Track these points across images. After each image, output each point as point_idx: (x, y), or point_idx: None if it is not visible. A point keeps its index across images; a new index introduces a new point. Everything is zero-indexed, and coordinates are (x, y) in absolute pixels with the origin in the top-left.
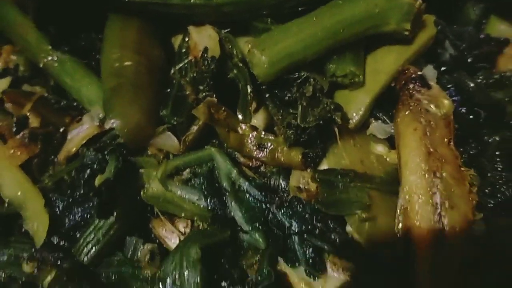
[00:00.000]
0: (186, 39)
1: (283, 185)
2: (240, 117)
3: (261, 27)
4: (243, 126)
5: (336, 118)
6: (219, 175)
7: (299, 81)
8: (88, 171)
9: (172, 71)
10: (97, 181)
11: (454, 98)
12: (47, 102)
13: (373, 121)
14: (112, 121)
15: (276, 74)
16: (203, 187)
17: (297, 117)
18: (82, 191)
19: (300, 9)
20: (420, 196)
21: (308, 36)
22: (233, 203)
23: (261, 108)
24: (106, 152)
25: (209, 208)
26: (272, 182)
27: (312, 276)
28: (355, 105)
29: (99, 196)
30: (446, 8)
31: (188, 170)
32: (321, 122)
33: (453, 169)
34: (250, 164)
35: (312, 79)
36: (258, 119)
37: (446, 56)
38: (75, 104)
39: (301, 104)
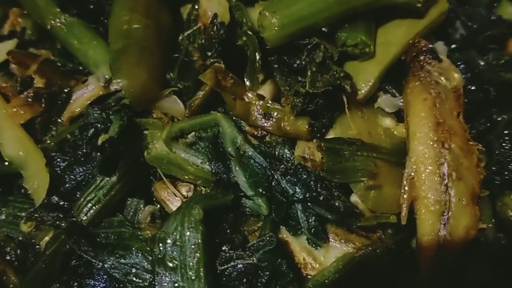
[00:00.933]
0: (196, 7)
1: (288, 155)
2: (247, 83)
3: None
4: (250, 94)
5: (345, 86)
6: (224, 140)
7: (309, 47)
8: (92, 130)
9: (180, 37)
10: (101, 139)
11: (464, 76)
12: (53, 65)
13: (382, 94)
14: (118, 80)
15: (287, 38)
16: (208, 151)
17: (305, 85)
18: (84, 150)
19: None
20: (427, 166)
21: (320, 0)
22: (237, 168)
23: (268, 80)
24: (111, 112)
25: (213, 171)
26: (277, 152)
27: (314, 245)
28: (365, 76)
29: (102, 153)
30: None
31: (193, 133)
32: (330, 88)
33: (462, 141)
34: (256, 133)
35: (322, 46)
36: (265, 91)
37: (457, 36)
38: (81, 67)
39: (311, 69)
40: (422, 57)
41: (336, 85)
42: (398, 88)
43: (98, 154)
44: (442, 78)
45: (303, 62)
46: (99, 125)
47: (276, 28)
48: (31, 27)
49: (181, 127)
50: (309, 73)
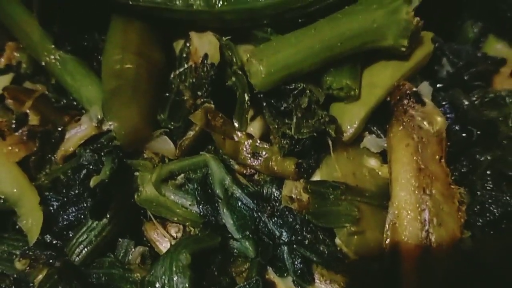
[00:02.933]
0: (187, 44)
1: (275, 194)
2: (236, 125)
3: (261, 36)
4: (239, 133)
5: (330, 130)
6: (212, 181)
7: (295, 92)
8: (84, 171)
9: (172, 75)
10: (92, 182)
11: (448, 115)
12: (48, 100)
13: (367, 134)
14: (110, 123)
15: (273, 84)
16: (196, 193)
17: (291, 127)
18: (77, 191)
19: (300, 20)
20: (409, 212)
21: (306, 48)
22: (225, 210)
23: (258, 117)
24: (102, 153)
25: (201, 214)
26: (265, 191)
27: (300, 287)
28: (350, 118)
29: (94, 197)
30: (445, 25)
31: (182, 175)
32: (315, 134)
33: (443, 187)
34: (244, 172)
35: (308, 91)
36: (254, 127)
37: (443, 73)
38: (74, 103)
39: (296, 115)
40: (405, 101)
41: (321, 130)
42: (383, 128)
43: (90, 199)
44: (425, 123)
45: (290, 106)
46: (91, 167)
47: (263, 75)
48: (26, 61)
49: (170, 169)
50: (294, 119)
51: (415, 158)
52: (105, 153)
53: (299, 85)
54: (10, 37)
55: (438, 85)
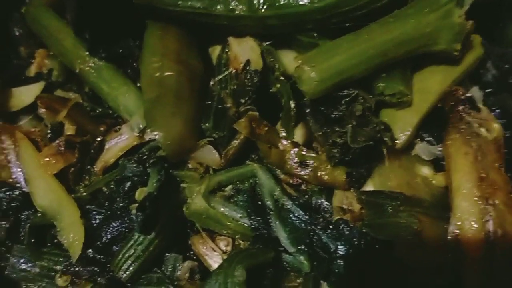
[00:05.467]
0: (226, 50)
1: (325, 205)
2: (283, 133)
3: (306, 41)
4: (284, 141)
5: (386, 139)
6: (262, 192)
7: (347, 99)
8: (128, 184)
9: (212, 82)
10: (138, 194)
11: (499, 121)
12: (82, 109)
13: (419, 141)
14: (155, 133)
15: (325, 91)
16: (246, 205)
17: (342, 135)
18: (121, 204)
19: (347, 24)
20: (472, 223)
21: (359, 53)
22: (277, 223)
23: (300, 123)
24: (147, 164)
25: (253, 227)
26: (313, 201)
27: None
28: (402, 125)
29: (143, 211)
30: (489, 28)
31: (230, 186)
32: (371, 143)
33: (505, 196)
34: (291, 181)
35: (360, 97)
36: (297, 135)
37: (488, 77)
38: (110, 112)
39: (351, 123)
40: (461, 107)
41: (377, 139)
42: (435, 135)
43: (139, 214)
44: (482, 130)
45: (341, 114)
46: (136, 178)
47: (315, 82)
48: (58, 69)
49: (218, 180)
50: (350, 128)
51: (475, 166)
52: (150, 164)
53: (351, 92)
54: (39, 44)
55: (486, 90)
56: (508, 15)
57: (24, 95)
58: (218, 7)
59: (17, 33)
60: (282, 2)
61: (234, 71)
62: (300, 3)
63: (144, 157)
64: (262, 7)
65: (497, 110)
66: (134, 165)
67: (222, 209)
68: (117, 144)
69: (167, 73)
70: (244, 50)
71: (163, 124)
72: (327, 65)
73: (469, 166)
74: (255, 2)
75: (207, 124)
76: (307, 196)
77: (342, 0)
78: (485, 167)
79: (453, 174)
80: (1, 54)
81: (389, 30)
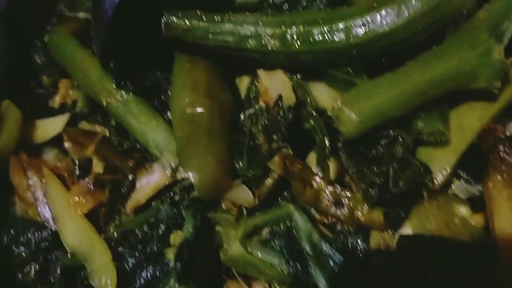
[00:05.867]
0: (256, 83)
1: (361, 247)
2: (319, 174)
3: (341, 77)
4: (318, 179)
5: (427, 181)
6: (298, 235)
7: (387, 140)
8: (163, 227)
9: (242, 116)
10: (174, 238)
11: None
12: (109, 143)
13: (456, 180)
14: (190, 174)
15: (364, 132)
16: (283, 250)
17: (380, 175)
18: (155, 248)
19: (383, 60)
20: None
21: (399, 93)
22: (316, 269)
23: (332, 156)
24: (182, 207)
25: (290, 272)
26: (349, 242)
27: None
28: (440, 164)
29: (181, 260)
30: None
31: (266, 229)
32: (413, 187)
33: None
34: (326, 221)
35: (400, 138)
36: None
37: None
38: (138, 146)
39: (392, 167)
40: (501, 147)
41: (417, 182)
42: (473, 173)
43: (178, 262)
44: None
45: (380, 154)
46: (170, 221)
47: (355, 124)
48: (82, 100)
49: (254, 224)
50: (391, 172)
51: None
52: (184, 206)
53: (390, 132)
54: (62, 73)
55: None
56: None
57: (49, 127)
58: (250, 42)
59: (39, 61)
60: (316, 38)
61: (265, 105)
62: (335, 39)
63: (176, 197)
64: (296, 42)
65: None
66: (168, 208)
67: (259, 254)
68: (149, 183)
69: (198, 110)
70: (275, 84)
71: (196, 164)
72: (367, 106)
73: None
74: (288, 37)
75: (240, 164)
76: (342, 236)
77: (377, 37)
78: None
79: (496, 218)
80: (23, 83)
81: (429, 69)
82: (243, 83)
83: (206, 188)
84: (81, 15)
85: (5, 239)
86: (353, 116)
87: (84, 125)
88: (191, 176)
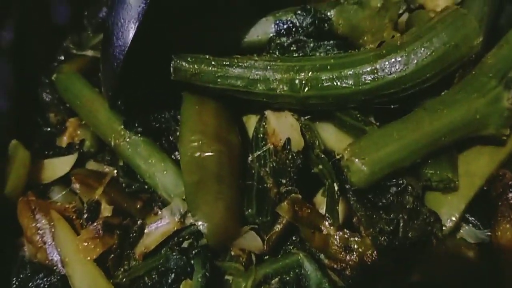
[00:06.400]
0: (263, 124)
1: None
2: (328, 221)
3: (349, 122)
4: (327, 224)
5: (436, 231)
6: (308, 285)
7: (396, 189)
8: (172, 276)
9: (250, 158)
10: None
11: None
12: (118, 185)
13: (464, 224)
14: (199, 222)
15: (374, 182)
16: None
17: (389, 222)
18: None
19: (392, 106)
20: None
21: (409, 144)
22: None
23: (341, 198)
24: (191, 255)
25: None
26: None
27: None
28: (449, 210)
29: None
30: None
31: (276, 279)
32: (423, 238)
33: None
34: (335, 266)
35: (409, 187)
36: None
37: None
38: (146, 187)
39: (402, 217)
40: (510, 195)
41: (427, 232)
42: (481, 218)
43: None
44: None
45: (389, 202)
46: (179, 270)
47: (366, 175)
48: (90, 139)
49: (264, 273)
50: (401, 223)
51: None
52: (193, 255)
53: (400, 181)
54: (69, 110)
55: None
56: None
57: (57, 167)
58: (259, 85)
59: (47, 99)
60: (325, 84)
61: (273, 147)
62: (344, 85)
63: (186, 243)
64: (304, 87)
65: None
66: (178, 256)
67: None
68: (157, 228)
69: (207, 154)
70: (283, 126)
71: (206, 211)
72: (377, 157)
73: None
74: (296, 82)
75: (250, 211)
76: (351, 281)
77: (386, 84)
78: None
79: (505, 267)
80: (30, 121)
81: (438, 118)
82: (251, 122)
83: (216, 236)
84: (89, 53)
85: (14, 283)
86: (363, 167)
87: (91, 164)
88: (200, 224)
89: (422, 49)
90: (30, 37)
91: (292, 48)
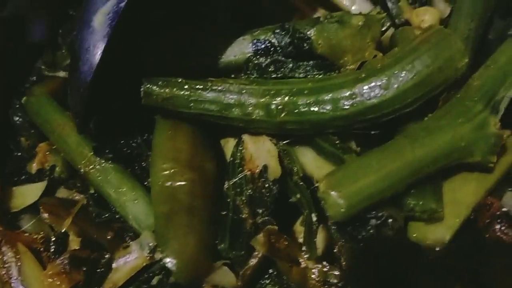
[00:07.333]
0: (240, 148)
1: None
2: (304, 249)
3: (327, 149)
4: (306, 257)
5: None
6: None
7: (376, 222)
8: None
9: (226, 185)
10: None
11: None
12: (87, 214)
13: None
14: (168, 260)
15: (353, 216)
16: None
17: (370, 256)
18: None
19: (372, 132)
20: None
21: (389, 174)
22: None
23: (320, 227)
24: None
25: None
26: None
27: None
28: (434, 241)
29: None
30: None
31: None
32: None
33: None
34: None
35: (390, 220)
36: (318, 241)
37: None
38: (117, 216)
39: (383, 252)
40: (497, 226)
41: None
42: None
43: None
44: None
45: (369, 235)
46: None
47: (343, 209)
48: (61, 165)
49: None
50: (382, 257)
51: None
52: None
53: (380, 214)
54: (41, 135)
55: None
56: None
57: (26, 195)
58: (234, 110)
59: (18, 122)
60: (302, 109)
61: (249, 173)
62: (322, 110)
63: (155, 280)
64: (281, 113)
65: None
66: None
67: None
68: (126, 264)
69: (179, 183)
70: (260, 152)
71: (175, 247)
72: (355, 189)
73: None
74: (273, 107)
75: (223, 245)
76: None
77: (365, 109)
78: None
79: None
80: (1, 145)
81: (420, 146)
82: (229, 145)
83: (185, 273)
84: (61, 74)
85: None
86: (340, 200)
87: (62, 191)
88: (169, 261)
89: (404, 72)
90: (3, 56)
91: (270, 69)
